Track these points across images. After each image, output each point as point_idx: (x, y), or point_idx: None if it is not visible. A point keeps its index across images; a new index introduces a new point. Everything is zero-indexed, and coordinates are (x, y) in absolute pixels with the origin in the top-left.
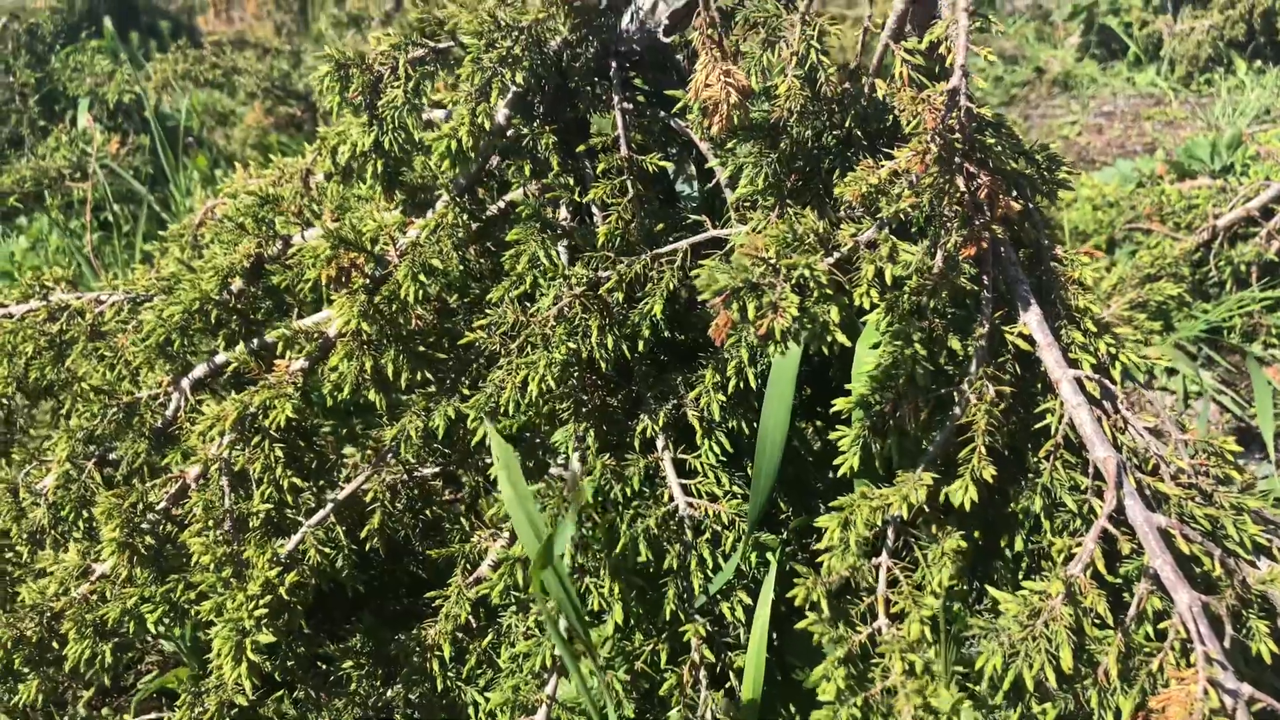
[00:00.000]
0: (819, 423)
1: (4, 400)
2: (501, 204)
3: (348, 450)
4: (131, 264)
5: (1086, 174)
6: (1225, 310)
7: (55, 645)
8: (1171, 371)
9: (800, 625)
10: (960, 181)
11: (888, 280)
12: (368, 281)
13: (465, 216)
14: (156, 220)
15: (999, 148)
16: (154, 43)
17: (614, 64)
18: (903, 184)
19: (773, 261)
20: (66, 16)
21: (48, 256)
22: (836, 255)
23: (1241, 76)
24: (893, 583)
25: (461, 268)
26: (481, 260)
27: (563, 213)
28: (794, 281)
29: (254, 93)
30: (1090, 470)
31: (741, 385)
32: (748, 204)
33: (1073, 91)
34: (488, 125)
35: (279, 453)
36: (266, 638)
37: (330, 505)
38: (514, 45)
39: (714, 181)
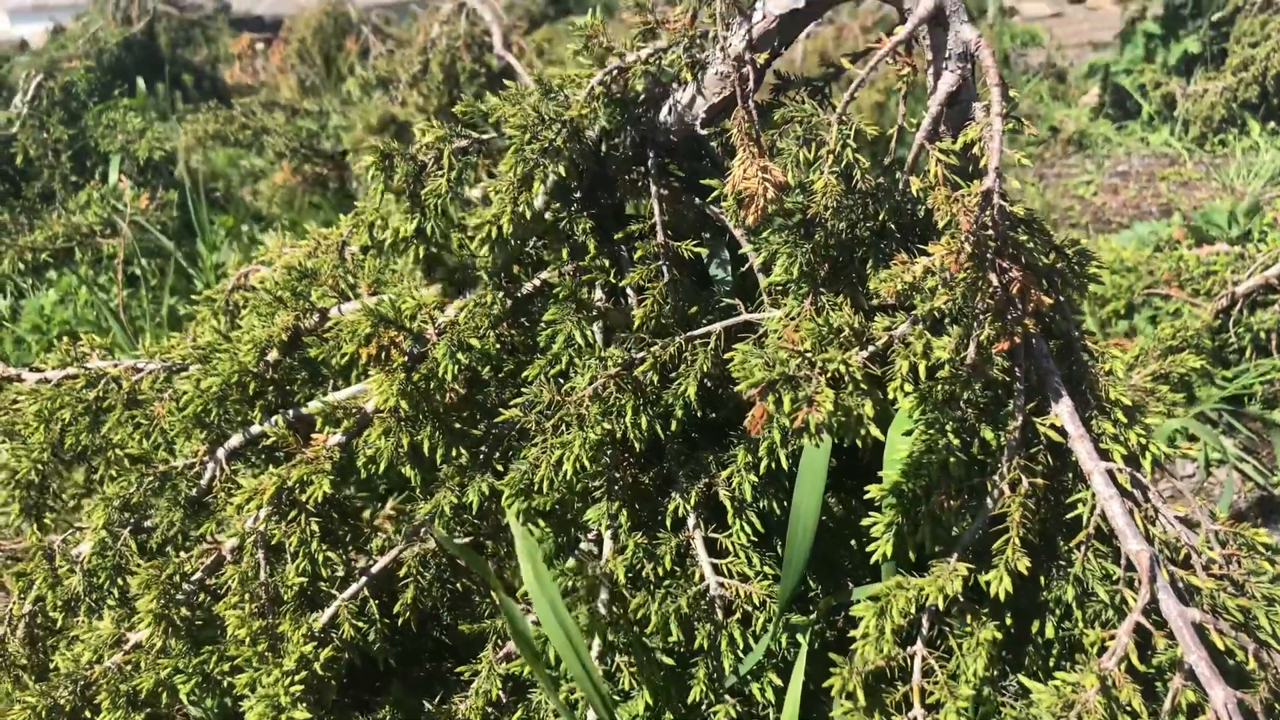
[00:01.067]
0: (846, 495)
1: (40, 466)
2: (536, 281)
3: (379, 520)
4: (159, 317)
5: (1104, 237)
6: (1246, 379)
7: (88, 714)
8: (1193, 438)
9: (836, 714)
10: (993, 277)
11: (921, 376)
12: (406, 359)
13: (500, 294)
14: (184, 275)
15: (1031, 244)
16: (178, 94)
17: (651, 153)
18: (937, 280)
19: (809, 355)
20: (100, 75)
21: (76, 311)
22: (871, 349)
23: (1256, 138)
24: (927, 672)
25: (497, 346)
26: (514, 333)
27: (598, 293)
28: (829, 375)
29: (282, 152)
30: (1123, 561)
31: (773, 466)
32: (781, 289)
33: (1088, 151)
34: (528, 215)
35: (314, 526)
36: (303, 715)
37: (364, 579)
38: (556, 137)
39: (747, 265)
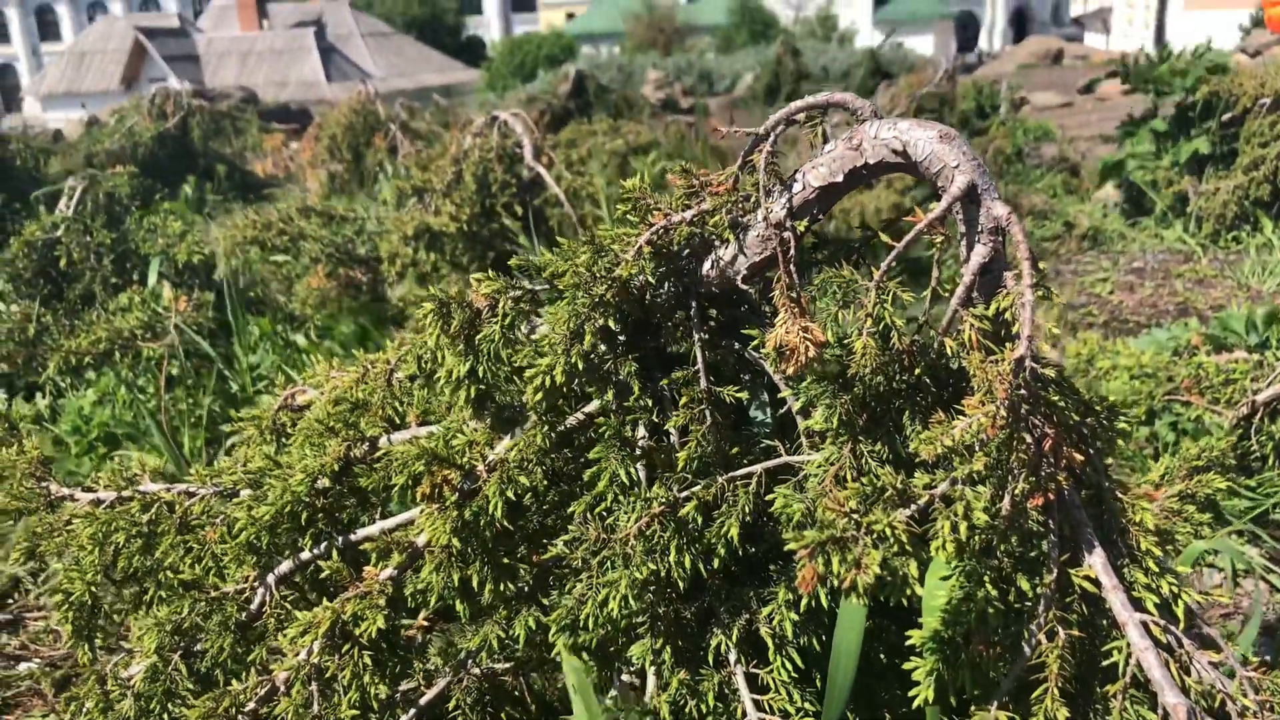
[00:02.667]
0: (886, 632)
1: (93, 588)
2: (581, 415)
3: (428, 649)
4: (195, 417)
5: (1122, 340)
6: (1269, 488)
7: None
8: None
9: None
10: (1027, 436)
11: (962, 536)
12: (458, 497)
13: (547, 428)
14: (220, 376)
15: (1062, 403)
16: (210, 185)
17: (694, 303)
18: (974, 438)
19: (855, 515)
20: (137, 175)
21: (115, 412)
22: (913, 507)
23: (1269, 235)
24: None
25: (545, 482)
26: (558, 463)
27: (641, 431)
28: (875, 535)
29: (318, 257)
30: (1160, 710)
31: (814, 604)
32: (819, 434)
33: (1102, 246)
34: (580, 365)
35: (367, 659)
36: None
37: (412, 711)
38: (606, 292)
39: (786, 408)
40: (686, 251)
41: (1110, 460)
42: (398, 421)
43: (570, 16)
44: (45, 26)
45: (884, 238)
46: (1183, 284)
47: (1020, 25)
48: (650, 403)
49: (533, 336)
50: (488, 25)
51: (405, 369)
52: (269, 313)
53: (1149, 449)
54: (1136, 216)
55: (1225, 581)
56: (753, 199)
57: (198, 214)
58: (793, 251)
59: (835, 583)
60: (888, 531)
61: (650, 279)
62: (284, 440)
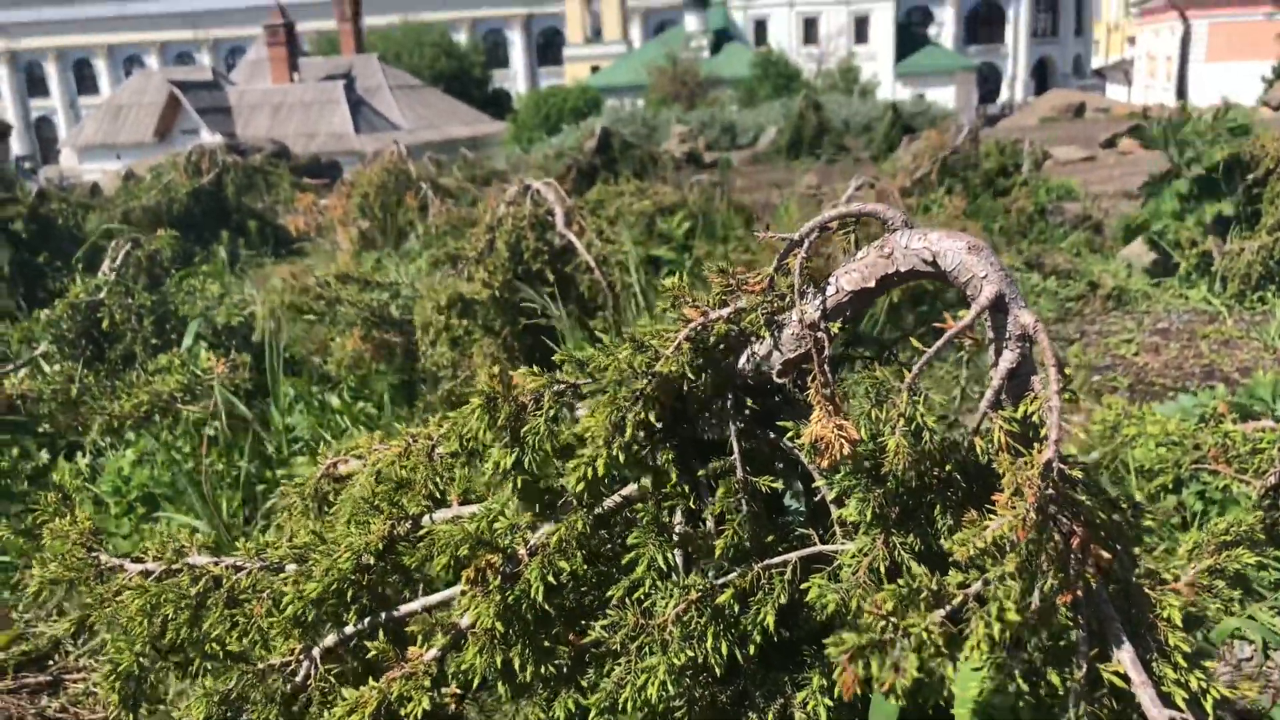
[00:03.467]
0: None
1: (141, 659)
2: (618, 498)
3: None
4: (231, 477)
5: (1149, 406)
6: None
7: None
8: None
9: None
10: (1056, 535)
11: (996, 635)
12: (500, 580)
13: (585, 512)
14: (256, 436)
15: (1090, 502)
16: (242, 240)
17: (730, 395)
18: (1005, 539)
19: (893, 619)
20: (182, 244)
21: (154, 473)
22: (948, 608)
23: None
24: None
25: (585, 566)
26: (594, 542)
27: (677, 517)
28: (913, 639)
29: (354, 322)
30: None
31: None
32: (852, 524)
33: (1127, 307)
34: (622, 458)
35: None
36: None
37: None
38: (646, 386)
39: (819, 496)
40: (722, 346)
41: (1137, 550)
42: (438, 497)
43: (595, 70)
44: (83, 80)
45: (916, 345)
46: (1208, 345)
47: (1042, 77)
48: (686, 489)
49: (575, 417)
50: (514, 78)
51: (447, 446)
52: (304, 374)
53: (1176, 518)
54: (1161, 276)
55: (1256, 654)
56: (788, 299)
57: (230, 269)
58: (827, 351)
59: (875, 686)
60: (925, 635)
61: (689, 374)
62: (326, 509)
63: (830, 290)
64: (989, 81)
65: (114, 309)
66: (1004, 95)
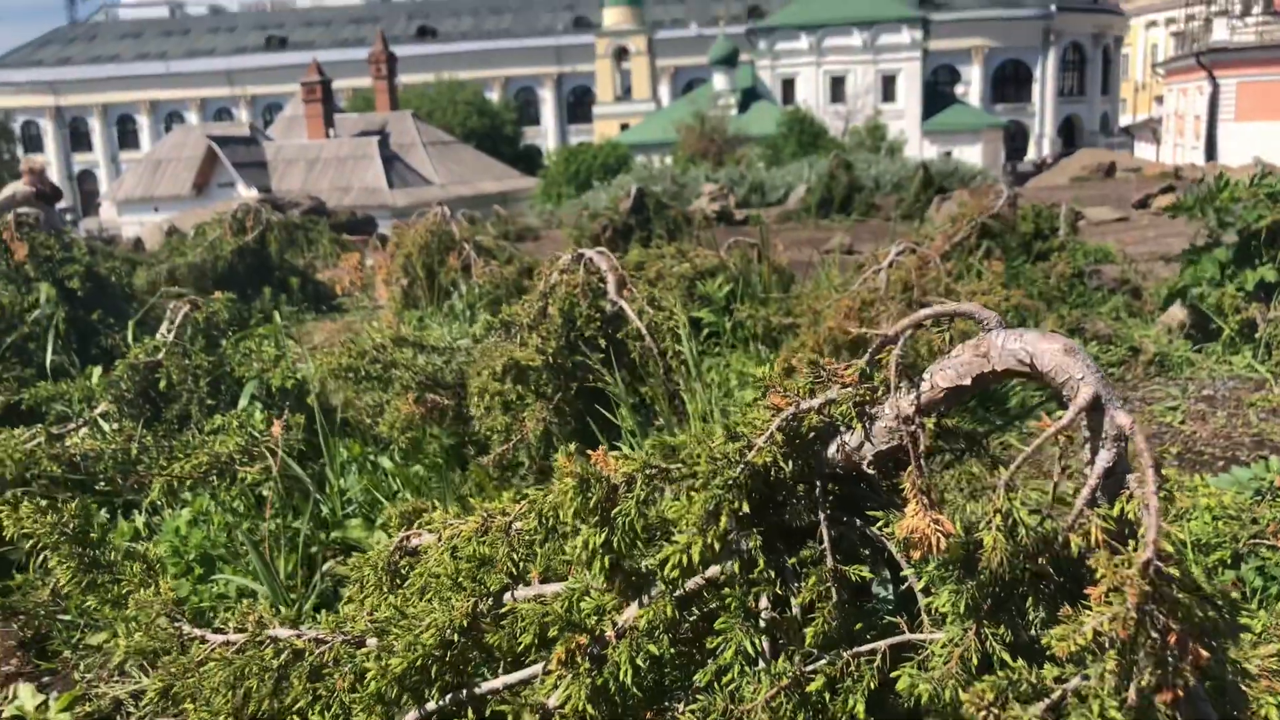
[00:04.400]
0: None
1: None
2: (701, 579)
3: None
4: (285, 539)
5: (1200, 477)
6: None
7: None
8: None
9: None
10: (1154, 633)
11: None
12: (589, 662)
13: (671, 593)
14: (309, 498)
15: (1186, 600)
16: (284, 296)
17: (819, 483)
18: (1104, 631)
19: (994, 711)
20: (237, 309)
21: (211, 534)
22: (1047, 701)
23: None
24: None
25: (671, 650)
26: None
27: (764, 603)
28: None
29: (409, 385)
30: None
31: None
32: (942, 614)
33: (1170, 373)
34: (718, 546)
35: None
36: None
37: None
38: (739, 475)
39: (907, 584)
40: (813, 435)
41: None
42: (515, 573)
43: (624, 127)
44: (125, 135)
45: (1017, 444)
46: (1256, 414)
47: (1069, 134)
48: (773, 575)
49: (661, 502)
50: (545, 135)
51: (526, 524)
52: (355, 435)
53: (1236, 593)
54: (1203, 341)
55: None
56: (879, 391)
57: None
58: (922, 446)
59: None
60: None
61: (782, 465)
62: (399, 582)
63: (925, 385)
64: (1016, 139)
65: (172, 370)
66: (1031, 153)
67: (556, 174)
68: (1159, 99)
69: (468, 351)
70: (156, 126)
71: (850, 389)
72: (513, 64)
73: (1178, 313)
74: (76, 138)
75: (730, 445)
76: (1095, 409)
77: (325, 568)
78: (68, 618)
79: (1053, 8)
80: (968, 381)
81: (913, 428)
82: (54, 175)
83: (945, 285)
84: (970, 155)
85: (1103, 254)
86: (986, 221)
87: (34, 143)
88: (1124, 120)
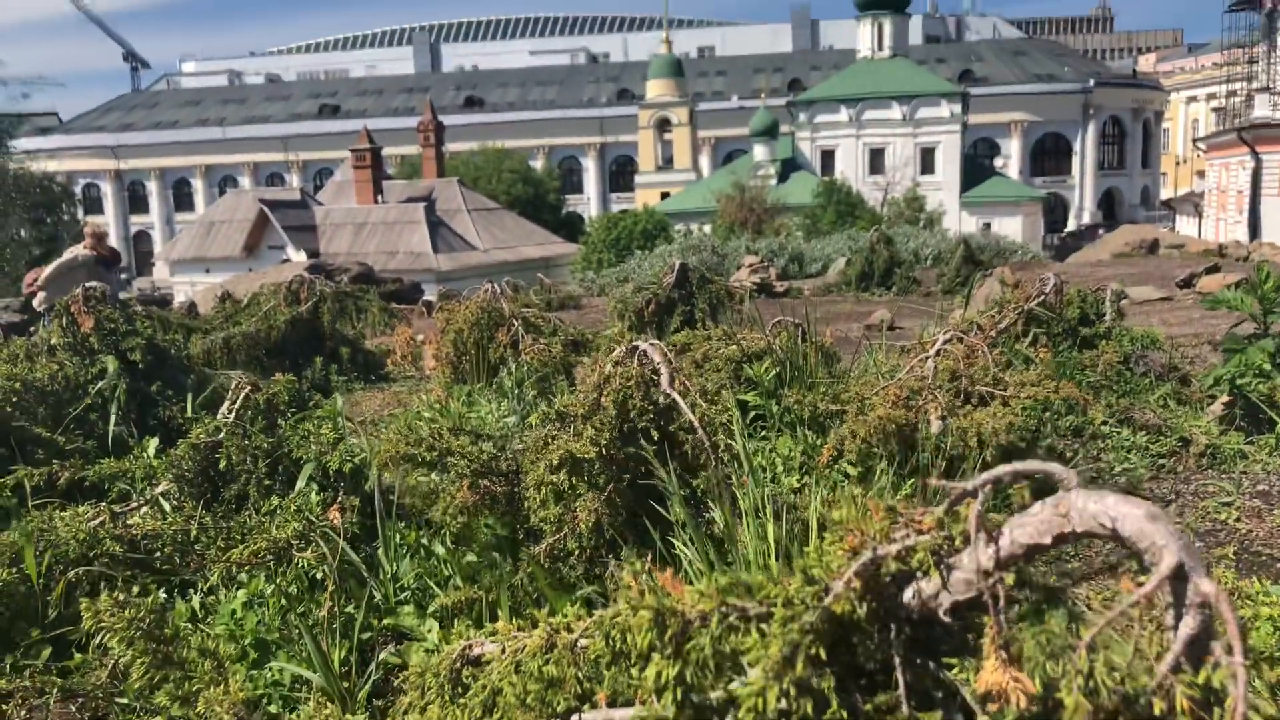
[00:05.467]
0: None
1: None
2: (773, 715)
3: None
4: (340, 624)
5: (1260, 583)
6: None
7: None
8: None
9: None
10: None
11: None
12: None
13: None
14: (362, 582)
15: None
16: (334, 366)
17: (894, 626)
18: None
19: None
20: (296, 389)
21: (266, 618)
22: None
23: None
24: None
25: None
26: None
27: None
28: None
29: (463, 473)
30: None
31: None
32: None
33: (1222, 466)
34: (794, 692)
35: None
36: None
37: None
38: (816, 620)
39: None
40: (889, 579)
41: None
42: (579, 691)
43: (665, 195)
44: (180, 198)
45: (1096, 608)
46: None
47: (1109, 207)
48: (846, 715)
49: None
50: (587, 203)
51: (592, 645)
52: (408, 517)
53: None
54: (1254, 433)
55: None
56: (957, 541)
57: (323, 395)
58: (1002, 603)
59: None
60: None
61: (858, 609)
62: (460, 691)
63: (1004, 540)
64: (1055, 211)
65: (232, 450)
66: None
67: (598, 240)
68: (1200, 173)
69: (521, 438)
70: (211, 190)
71: (928, 537)
72: (557, 134)
73: (1226, 400)
74: (134, 200)
75: (807, 589)
76: (1179, 576)
77: (380, 657)
78: (125, 700)
79: (1091, 83)
80: (1047, 540)
81: (992, 582)
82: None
83: (993, 375)
84: (1009, 227)
85: (1150, 340)
86: (1034, 313)
87: (94, 204)
88: (1165, 194)
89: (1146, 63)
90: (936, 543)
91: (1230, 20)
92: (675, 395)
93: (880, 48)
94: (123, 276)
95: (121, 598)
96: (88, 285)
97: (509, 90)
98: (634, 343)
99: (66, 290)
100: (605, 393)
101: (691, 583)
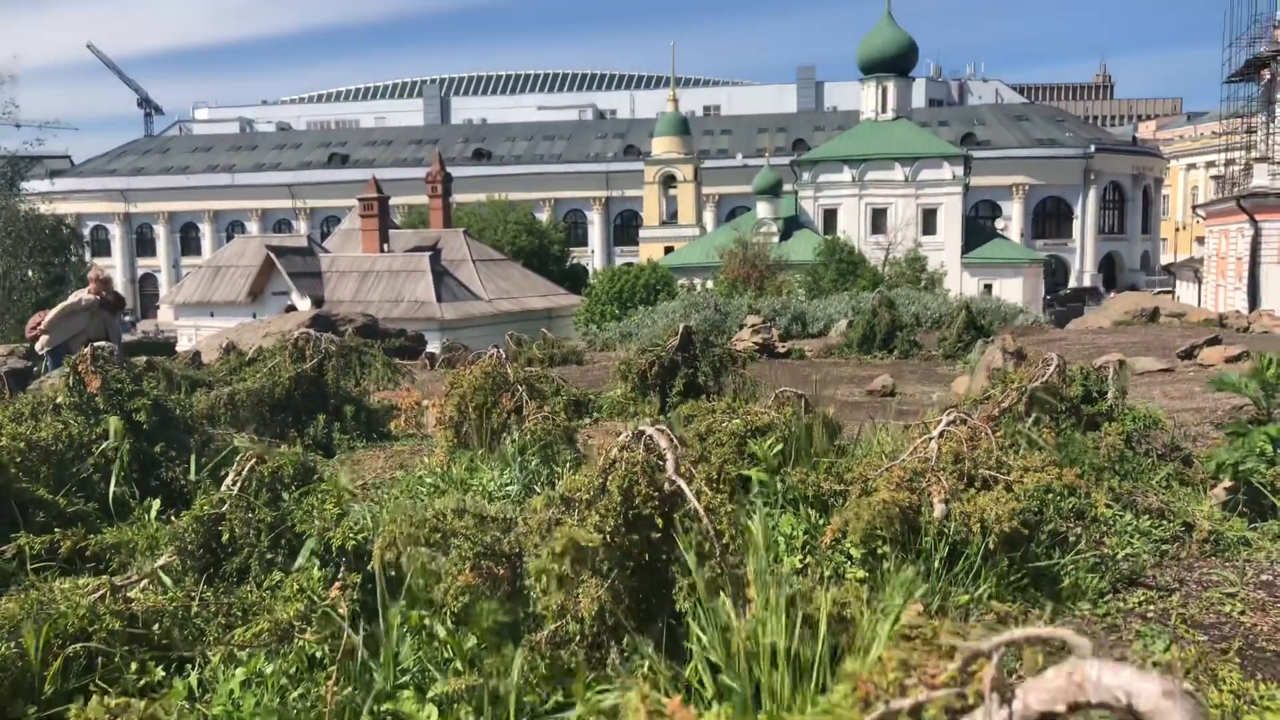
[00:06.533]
0: None
1: None
2: None
3: None
4: (338, 705)
5: (1267, 688)
6: None
7: None
8: None
9: None
10: None
11: None
12: None
13: None
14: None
15: None
16: (337, 425)
17: None
18: None
19: None
20: (299, 465)
21: (264, 700)
22: None
23: None
24: None
25: None
26: None
27: None
28: None
29: (467, 557)
30: None
31: None
32: None
33: (1226, 554)
34: None
35: None
36: None
37: None
38: None
39: None
40: None
41: None
42: None
43: (669, 250)
44: (187, 242)
45: None
46: None
47: (1110, 271)
48: None
49: None
50: (591, 255)
51: None
52: (407, 597)
53: None
54: (1257, 518)
55: None
56: (971, 699)
57: (325, 454)
58: None
59: None
60: None
61: None
62: None
63: (1017, 705)
64: (1056, 274)
65: (235, 524)
66: (1072, 283)
67: (601, 293)
68: (1200, 239)
69: (523, 518)
70: (218, 235)
71: (941, 694)
72: (564, 187)
73: (1230, 484)
74: (142, 242)
75: None
76: None
77: None
78: None
79: (1092, 148)
80: (1061, 708)
81: None
82: (117, 277)
83: (996, 458)
84: (1010, 289)
85: (1152, 420)
86: (1037, 394)
87: (102, 246)
88: (1165, 259)
89: (1146, 130)
90: (950, 701)
91: (1229, 90)
92: (681, 482)
93: (884, 110)
94: (127, 319)
95: (113, 704)
96: (96, 344)
97: (517, 143)
98: (640, 427)
99: (69, 334)
100: (611, 479)
101: (702, 685)
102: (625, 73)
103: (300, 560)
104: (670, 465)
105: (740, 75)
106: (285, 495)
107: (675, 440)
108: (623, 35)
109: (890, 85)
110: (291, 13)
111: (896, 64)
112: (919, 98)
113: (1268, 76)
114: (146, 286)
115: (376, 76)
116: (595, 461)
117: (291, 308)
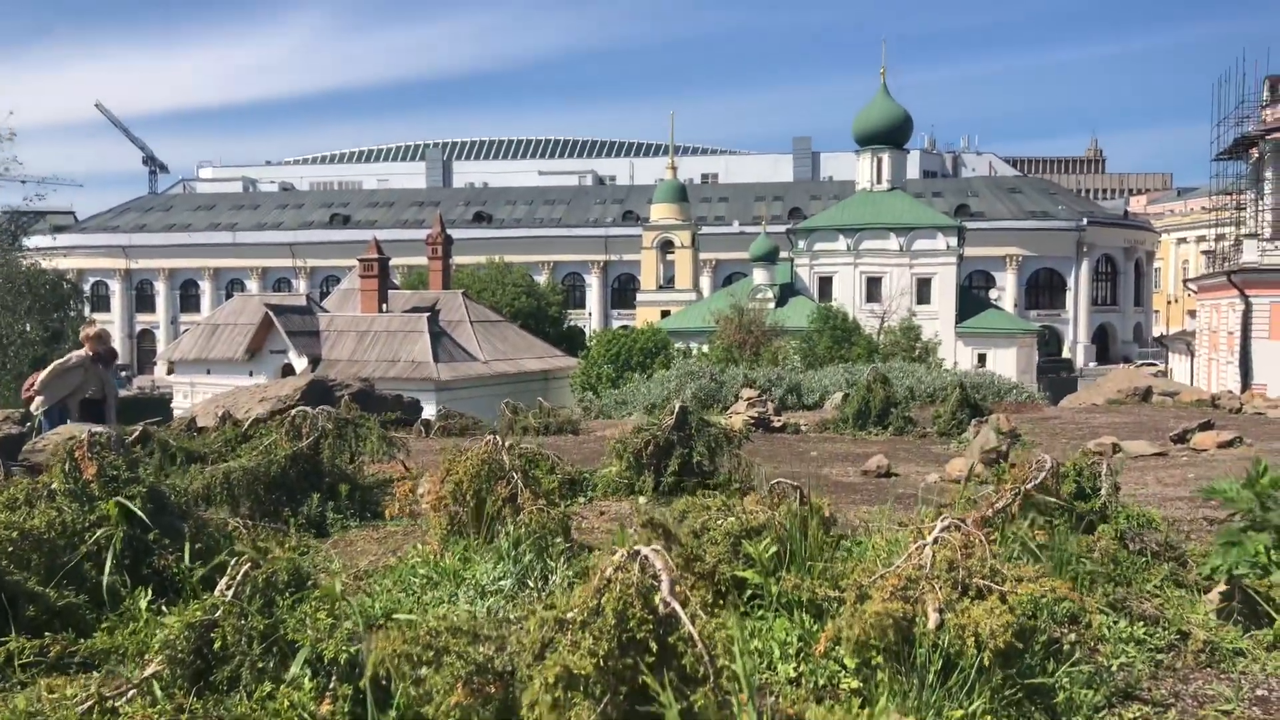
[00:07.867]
0: None
1: None
2: None
3: None
4: None
5: None
6: None
7: None
8: None
9: None
10: None
11: None
12: None
13: None
14: None
15: None
16: (331, 504)
17: None
18: None
19: None
20: (298, 568)
21: None
22: None
23: None
24: None
25: None
26: None
27: None
28: None
29: (460, 676)
30: None
31: None
32: None
33: (1221, 665)
34: None
35: None
36: None
37: None
38: None
39: None
40: None
41: None
42: None
43: (665, 313)
44: (187, 299)
45: None
46: None
47: (1103, 342)
48: None
49: None
50: (588, 318)
51: None
52: (398, 711)
53: None
54: (1252, 625)
55: None
56: None
57: (319, 534)
58: None
59: None
60: None
61: None
62: None
63: None
64: (1050, 345)
65: (227, 631)
66: (1065, 354)
67: (598, 355)
68: (1191, 312)
69: (519, 640)
70: (218, 292)
71: None
72: (562, 251)
73: (1224, 589)
74: (141, 298)
75: None
76: None
77: None
78: None
79: (1084, 221)
80: None
81: None
82: (116, 333)
83: (991, 567)
84: (1004, 360)
85: (1145, 520)
86: (1031, 494)
87: (101, 301)
88: (1157, 330)
89: (1138, 204)
90: None
91: (1219, 168)
92: (675, 605)
93: (879, 180)
94: (122, 374)
95: None
96: (94, 430)
97: (517, 207)
98: (636, 547)
99: (64, 392)
100: (606, 600)
101: None
102: (625, 140)
103: (293, 671)
104: (665, 587)
105: (738, 145)
106: (279, 600)
107: (670, 564)
108: (623, 104)
109: (885, 157)
110: (297, 76)
111: (891, 136)
112: (913, 169)
113: (1256, 154)
114: (144, 342)
115: (380, 139)
116: (590, 581)
117: (289, 366)
